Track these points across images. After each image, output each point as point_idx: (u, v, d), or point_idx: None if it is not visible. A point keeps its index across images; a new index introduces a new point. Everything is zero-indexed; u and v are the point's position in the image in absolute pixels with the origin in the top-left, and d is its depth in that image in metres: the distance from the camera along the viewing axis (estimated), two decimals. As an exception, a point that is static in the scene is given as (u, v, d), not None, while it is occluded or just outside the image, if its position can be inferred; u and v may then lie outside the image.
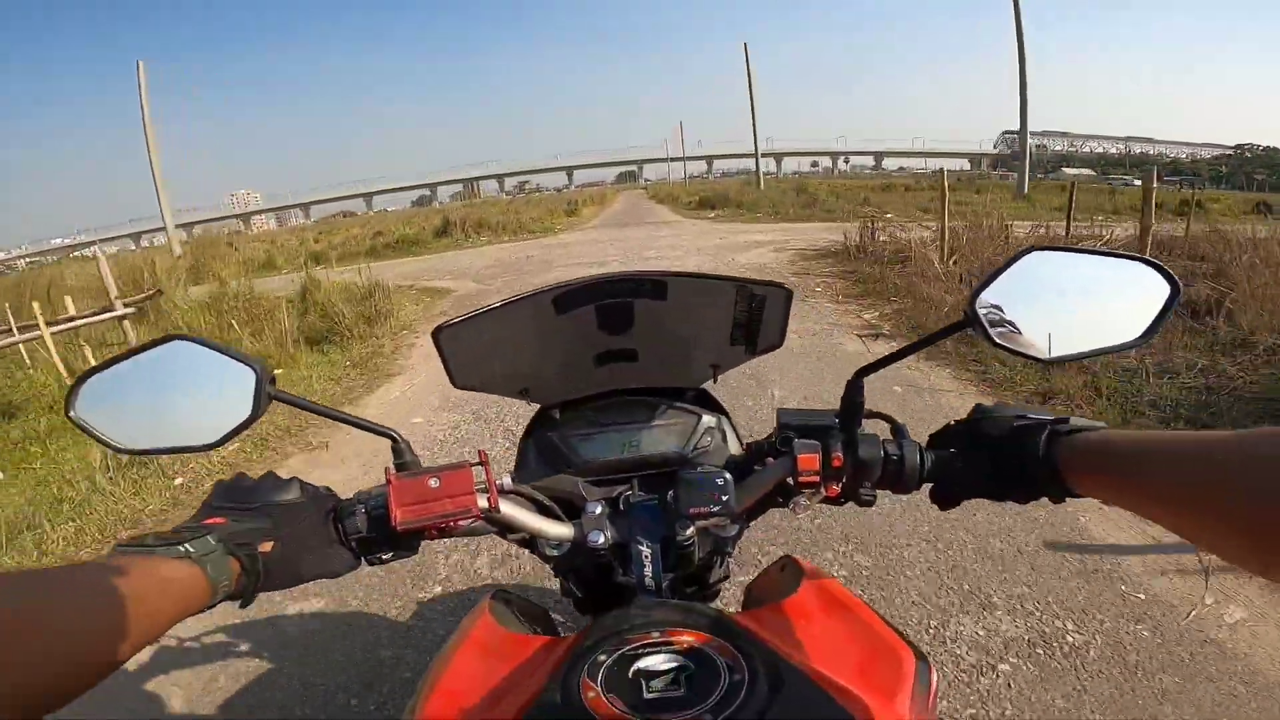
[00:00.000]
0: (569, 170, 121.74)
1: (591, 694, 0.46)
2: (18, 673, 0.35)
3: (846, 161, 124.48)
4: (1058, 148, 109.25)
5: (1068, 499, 0.54)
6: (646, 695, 0.46)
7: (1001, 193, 22.00)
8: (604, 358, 0.76)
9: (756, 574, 0.83)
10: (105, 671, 0.40)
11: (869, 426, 0.65)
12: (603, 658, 0.49)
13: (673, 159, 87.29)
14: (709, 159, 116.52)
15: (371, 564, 0.60)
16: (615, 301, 0.70)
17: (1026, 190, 20.83)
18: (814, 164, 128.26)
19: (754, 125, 29.11)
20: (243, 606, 0.53)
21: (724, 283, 0.69)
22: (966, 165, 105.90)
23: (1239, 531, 0.37)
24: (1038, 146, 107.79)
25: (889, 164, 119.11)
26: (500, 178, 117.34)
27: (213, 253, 16.91)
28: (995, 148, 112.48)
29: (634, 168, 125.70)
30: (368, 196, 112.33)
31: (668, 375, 0.82)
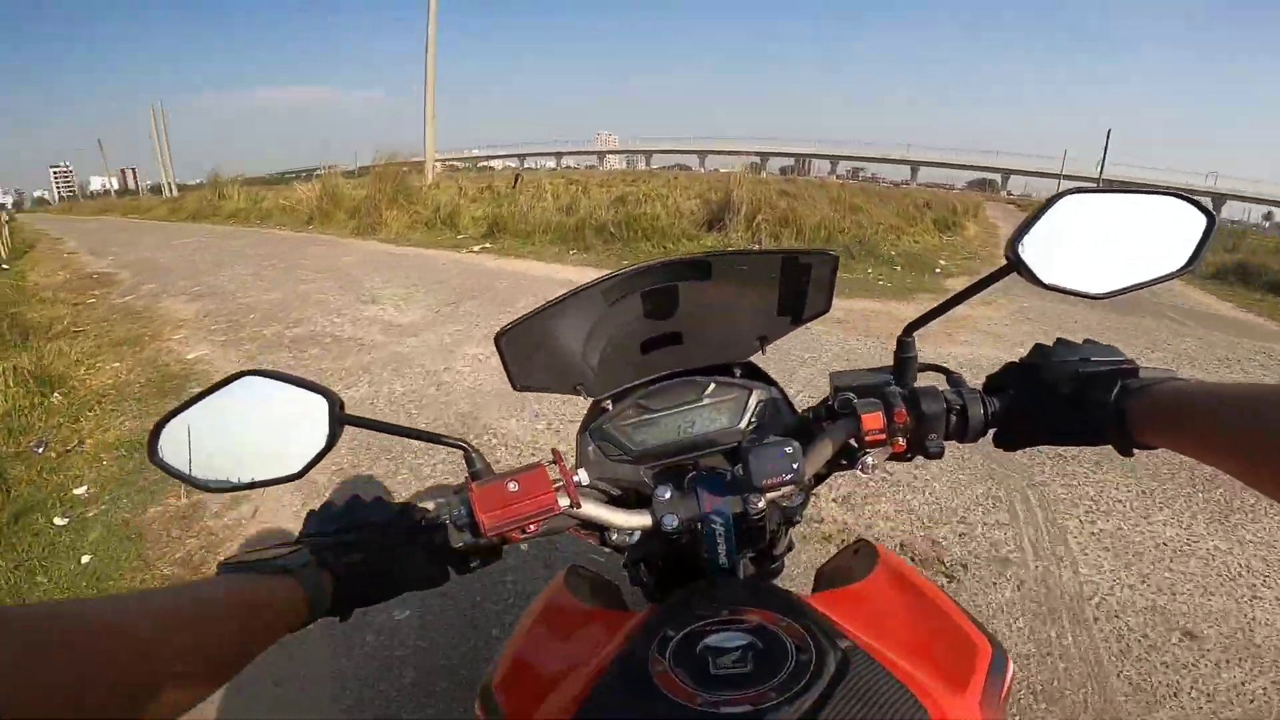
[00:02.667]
0: (914, 165, 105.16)
1: (659, 668, 0.47)
2: (134, 692, 0.36)
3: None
4: None
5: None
6: (713, 671, 0.47)
7: None
8: (649, 345, 0.75)
9: (830, 557, 0.82)
10: (211, 689, 0.41)
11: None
12: (671, 633, 0.50)
13: (1064, 175, 67.33)
14: (1101, 181, 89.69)
15: (460, 573, 0.61)
16: (661, 286, 0.69)
17: None
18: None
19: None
20: (342, 621, 0.55)
21: (770, 255, 0.69)
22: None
23: None
24: None
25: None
26: (834, 159, 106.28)
27: (395, 189, 11.63)
28: None
29: (995, 175, 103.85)
30: (702, 154, 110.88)
31: (713, 353, 0.79)
